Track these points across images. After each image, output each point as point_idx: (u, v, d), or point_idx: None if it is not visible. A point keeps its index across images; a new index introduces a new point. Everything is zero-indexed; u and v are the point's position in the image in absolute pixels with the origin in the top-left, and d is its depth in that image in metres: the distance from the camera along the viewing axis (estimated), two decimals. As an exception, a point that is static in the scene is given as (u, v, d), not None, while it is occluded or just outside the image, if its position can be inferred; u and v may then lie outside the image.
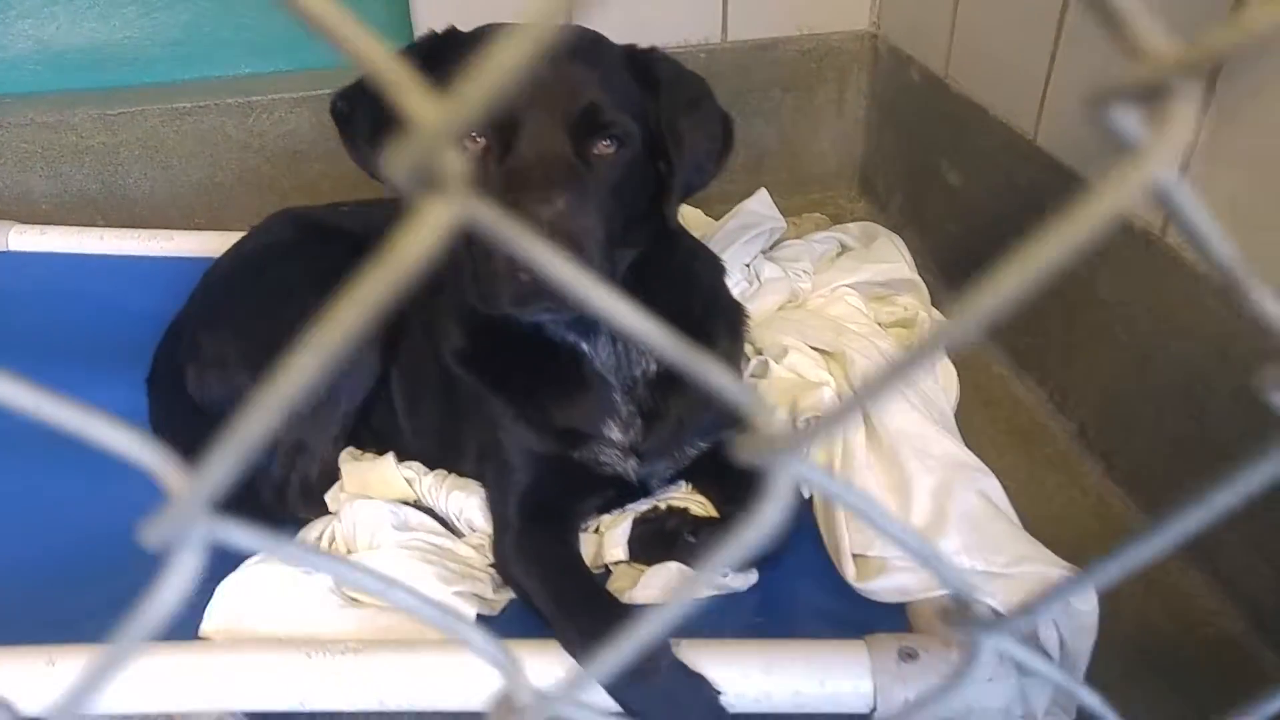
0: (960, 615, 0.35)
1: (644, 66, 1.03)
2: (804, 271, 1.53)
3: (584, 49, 1.01)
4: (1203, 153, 1.18)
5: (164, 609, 0.25)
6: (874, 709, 0.95)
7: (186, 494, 0.25)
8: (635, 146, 1.00)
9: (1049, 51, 1.47)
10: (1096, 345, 1.44)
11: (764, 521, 0.29)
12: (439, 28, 1.07)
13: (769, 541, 1.13)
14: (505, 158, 0.95)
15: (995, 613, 0.37)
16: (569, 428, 1.14)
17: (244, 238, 1.51)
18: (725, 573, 1.13)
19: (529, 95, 0.94)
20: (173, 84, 1.96)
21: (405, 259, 0.22)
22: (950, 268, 1.80)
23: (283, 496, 1.33)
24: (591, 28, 1.04)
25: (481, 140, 0.96)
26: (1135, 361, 1.36)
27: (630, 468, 1.17)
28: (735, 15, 1.97)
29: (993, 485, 1.13)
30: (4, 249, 1.75)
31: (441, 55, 1.04)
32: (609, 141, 0.98)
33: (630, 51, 1.05)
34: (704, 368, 0.28)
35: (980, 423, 1.49)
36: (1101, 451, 1.43)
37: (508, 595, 1.16)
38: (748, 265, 1.57)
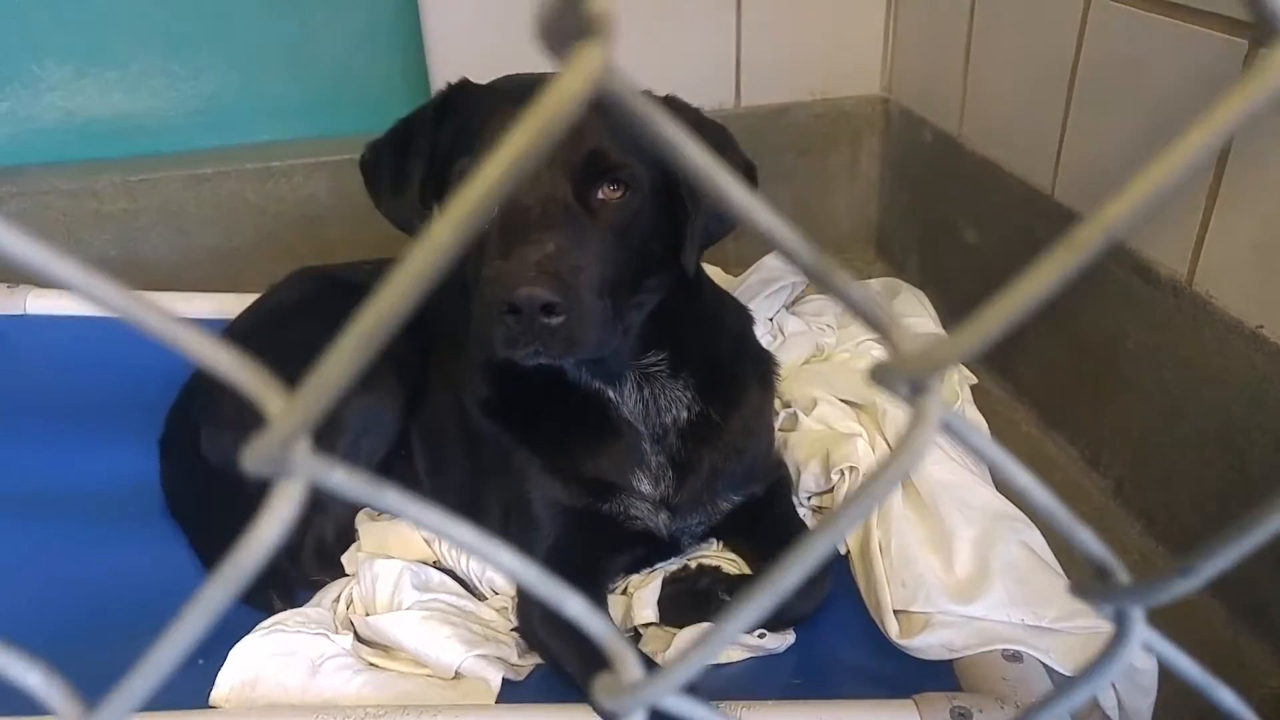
0: (1100, 585, 0.32)
1: None
2: (828, 326, 1.52)
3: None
4: (1225, 199, 1.18)
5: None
6: (926, 773, 0.90)
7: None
8: (643, 191, 0.99)
9: (1063, 105, 1.48)
10: (1126, 399, 1.41)
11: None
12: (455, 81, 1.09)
13: (806, 602, 1.10)
14: (508, 202, 0.95)
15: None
16: (597, 478, 1.11)
17: (263, 296, 1.50)
18: (761, 634, 1.09)
19: None
20: (194, 151, 1.98)
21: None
22: (971, 326, 1.78)
23: (297, 557, 1.29)
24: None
25: None
26: (1168, 413, 1.33)
27: (661, 522, 1.13)
28: (748, 81, 1.99)
29: (1035, 536, 1.09)
30: (21, 312, 1.75)
31: (455, 106, 1.05)
32: (614, 186, 0.97)
33: (646, 97, 1.03)
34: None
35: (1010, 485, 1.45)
36: (1140, 508, 1.39)
37: (534, 660, 1.12)
38: (771, 320, 1.55)
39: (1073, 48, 1.44)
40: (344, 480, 0.23)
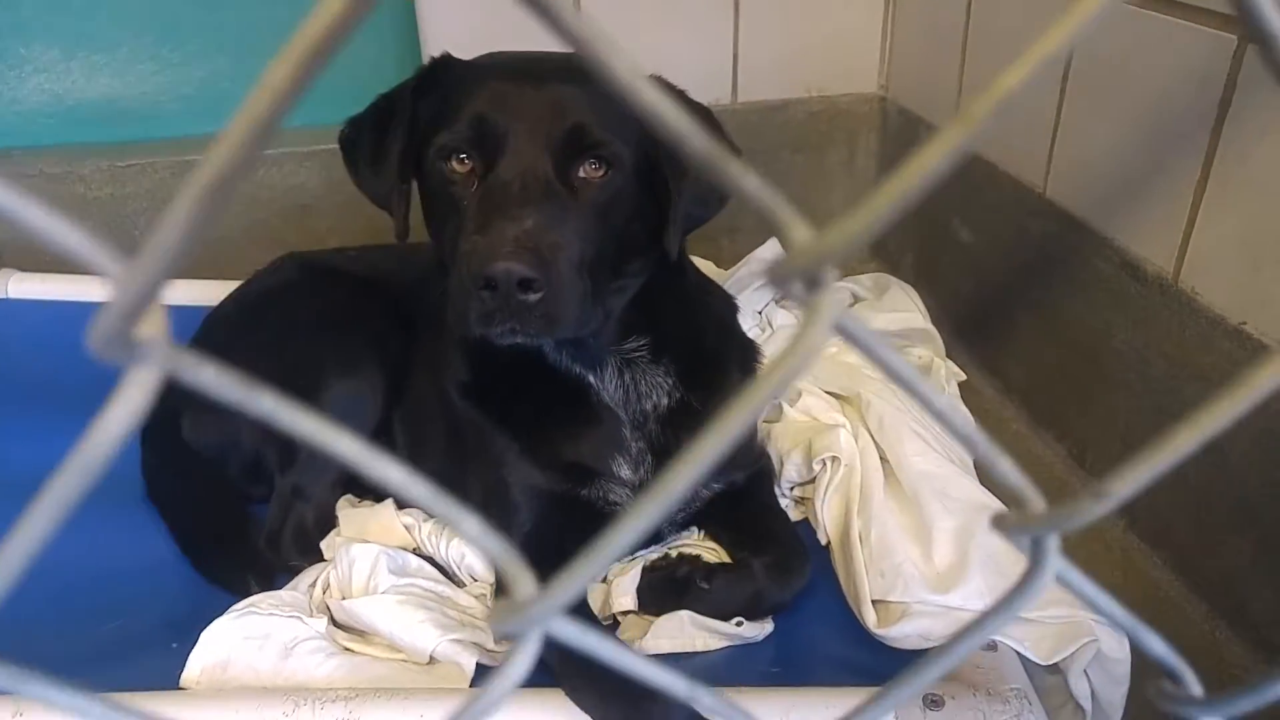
0: (1016, 515, 0.32)
1: None
2: (815, 319, 1.51)
3: (577, 71, 1.00)
4: (1211, 196, 1.17)
5: None
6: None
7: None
8: (625, 170, 0.98)
9: (1055, 104, 1.48)
10: (1113, 396, 1.41)
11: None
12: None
13: (785, 591, 1.09)
14: (487, 177, 0.94)
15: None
16: (576, 462, 1.10)
17: (247, 281, 1.49)
18: (739, 622, 1.08)
19: (516, 116, 0.94)
20: (183, 138, 1.96)
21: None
22: (963, 325, 1.78)
23: (276, 543, 1.28)
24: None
25: (468, 161, 0.96)
26: (1153, 410, 1.33)
27: (640, 508, 1.12)
28: (745, 77, 1.99)
29: (1017, 530, 1.08)
30: (3, 296, 1.73)
31: (437, 81, 1.04)
32: (595, 163, 0.96)
33: None
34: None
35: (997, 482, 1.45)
36: (1123, 505, 1.38)
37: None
38: (759, 312, 1.55)
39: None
40: (211, 377, 0.22)
